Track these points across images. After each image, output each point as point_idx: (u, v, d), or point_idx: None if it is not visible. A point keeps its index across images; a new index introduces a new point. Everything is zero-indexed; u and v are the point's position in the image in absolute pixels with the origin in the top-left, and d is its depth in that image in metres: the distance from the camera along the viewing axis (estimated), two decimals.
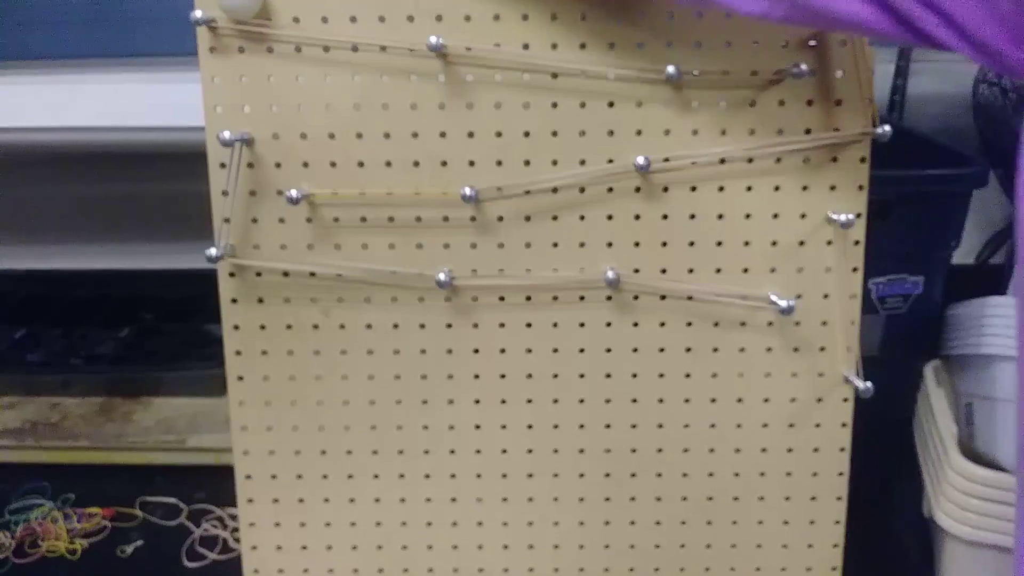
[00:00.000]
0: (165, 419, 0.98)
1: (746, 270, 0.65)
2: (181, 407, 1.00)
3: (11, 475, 0.93)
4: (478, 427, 0.69)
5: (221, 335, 1.12)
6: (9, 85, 0.99)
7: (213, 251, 0.64)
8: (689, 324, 0.66)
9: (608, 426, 0.69)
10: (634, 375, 0.67)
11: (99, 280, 1.19)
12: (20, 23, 1.10)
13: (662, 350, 0.67)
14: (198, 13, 0.61)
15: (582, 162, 0.63)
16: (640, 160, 0.62)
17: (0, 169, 1.15)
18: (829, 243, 0.64)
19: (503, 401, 0.68)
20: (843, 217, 0.63)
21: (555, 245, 0.65)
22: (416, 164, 0.64)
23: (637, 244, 0.65)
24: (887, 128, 0.61)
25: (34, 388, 1.04)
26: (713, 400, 0.68)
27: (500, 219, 0.65)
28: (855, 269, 0.65)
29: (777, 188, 0.64)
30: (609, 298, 0.66)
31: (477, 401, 0.68)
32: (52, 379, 1.05)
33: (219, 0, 0.60)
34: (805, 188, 0.64)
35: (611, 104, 0.62)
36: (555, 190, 0.64)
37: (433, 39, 0.60)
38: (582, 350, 0.67)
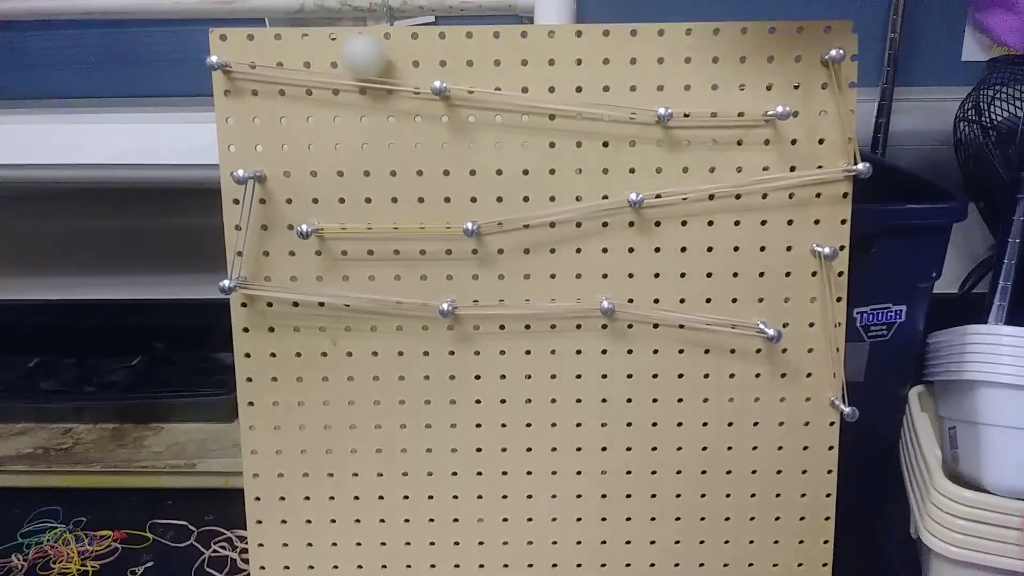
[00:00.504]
0: (176, 444, 1.00)
1: (735, 300, 0.68)
2: (191, 432, 1.03)
3: (23, 500, 0.95)
4: (479, 450, 0.72)
5: (230, 363, 1.15)
6: (23, 124, 1.02)
7: (226, 283, 0.67)
8: (681, 351, 0.70)
9: (604, 449, 0.71)
10: (629, 400, 0.70)
11: (111, 310, 1.22)
12: (34, 63, 1.15)
13: (655, 376, 0.70)
14: (214, 58, 0.65)
15: (578, 198, 0.67)
16: (633, 196, 0.65)
17: (16, 203, 1.19)
18: (814, 274, 0.68)
19: (503, 425, 0.71)
20: (827, 249, 0.66)
21: (553, 276, 0.68)
22: (421, 200, 0.67)
23: (631, 275, 0.68)
24: (867, 165, 0.65)
25: (47, 415, 1.06)
26: (705, 424, 0.71)
27: (500, 252, 0.68)
28: (839, 299, 0.68)
29: (764, 222, 0.67)
30: (604, 327, 0.69)
31: (478, 425, 0.71)
32: (64, 406, 1.07)
33: (344, 58, 0.63)
34: (790, 222, 0.67)
35: (605, 144, 0.66)
36: (553, 224, 0.67)
37: (437, 83, 0.63)
38: (579, 376, 0.70)
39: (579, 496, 0.73)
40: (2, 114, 1.05)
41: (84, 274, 1.22)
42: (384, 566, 0.74)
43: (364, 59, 0.63)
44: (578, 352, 0.70)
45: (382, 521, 0.73)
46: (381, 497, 0.73)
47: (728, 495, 0.72)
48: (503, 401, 0.71)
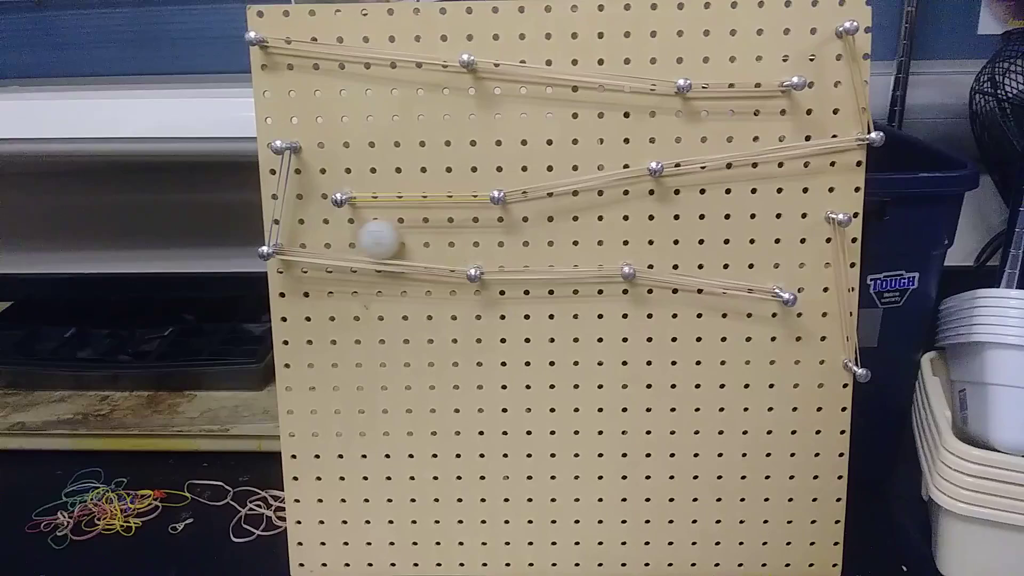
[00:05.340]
0: (209, 411, 1.04)
1: (751, 266, 0.71)
2: (223, 400, 1.06)
3: (65, 462, 0.99)
4: (505, 410, 0.75)
5: (259, 334, 1.19)
6: (56, 100, 1.05)
7: (265, 249, 0.70)
8: (699, 316, 0.72)
9: (625, 410, 0.74)
10: (648, 363, 0.73)
11: (143, 283, 1.26)
12: (66, 43, 1.18)
13: (674, 340, 0.73)
14: (252, 34, 0.67)
15: (600, 167, 0.69)
16: (653, 165, 0.67)
17: (52, 179, 1.23)
18: (828, 240, 0.70)
19: (528, 387, 0.74)
20: (841, 216, 0.68)
21: (576, 243, 0.71)
22: (448, 170, 0.70)
23: (651, 242, 0.71)
24: (880, 134, 0.67)
25: (84, 383, 1.10)
26: (722, 386, 0.73)
27: (525, 220, 0.71)
28: (852, 264, 0.70)
29: (780, 190, 0.69)
30: (625, 292, 0.72)
31: (504, 387, 0.74)
32: (101, 374, 1.10)
33: (360, 244, 0.70)
34: (805, 190, 0.69)
35: (626, 115, 0.68)
36: (575, 193, 0.70)
37: (464, 56, 0.66)
38: (600, 340, 0.73)
39: (600, 455, 0.76)
40: (35, 91, 1.09)
41: (116, 248, 1.26)
42: (414, 521, 0.77)
43: (385, 246, 0.70)
44: (600, 316, 0.72)
45: (412, 478, 0.77)
46: (411, 455, 0.76)
47: (744, 455, 0.75)
48: (528, 364, 0.74)
